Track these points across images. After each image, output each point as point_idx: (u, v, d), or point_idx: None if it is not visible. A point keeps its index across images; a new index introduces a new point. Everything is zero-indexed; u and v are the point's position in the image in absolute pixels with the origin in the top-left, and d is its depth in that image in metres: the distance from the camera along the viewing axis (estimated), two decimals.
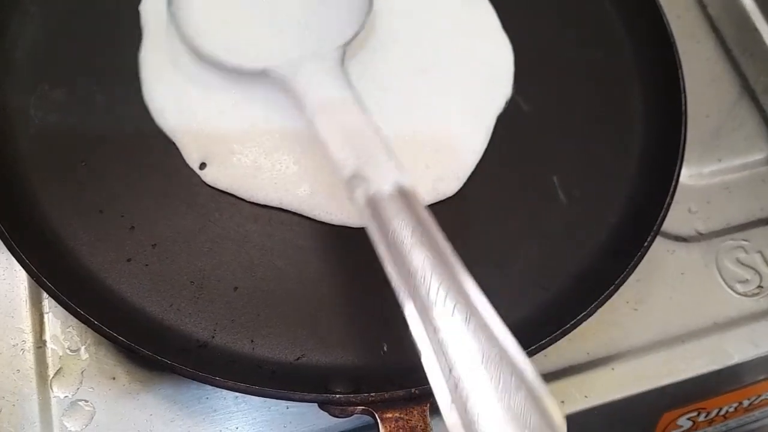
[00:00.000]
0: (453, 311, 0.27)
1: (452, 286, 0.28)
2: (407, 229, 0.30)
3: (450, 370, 0.26)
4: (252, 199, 0.40)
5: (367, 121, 0.35)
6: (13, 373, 0.39)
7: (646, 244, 0.39)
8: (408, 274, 0.28)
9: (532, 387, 0.25)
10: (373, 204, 0.31)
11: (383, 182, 0.32)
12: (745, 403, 0.49)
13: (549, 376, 0.43)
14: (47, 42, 0.43)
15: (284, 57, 0.40)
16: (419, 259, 0.28)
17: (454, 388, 0.25)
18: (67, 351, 0.40)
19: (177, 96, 0.41)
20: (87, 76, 0.42)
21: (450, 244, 0.30)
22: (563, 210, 0.42)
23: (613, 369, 0.44)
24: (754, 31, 0.58)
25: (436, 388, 0.26)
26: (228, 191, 0.40)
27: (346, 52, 0.40)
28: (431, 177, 0.41)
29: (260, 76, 0.40)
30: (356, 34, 0.41)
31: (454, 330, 0.26)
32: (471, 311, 0.27)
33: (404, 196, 0.31)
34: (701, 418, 0.48)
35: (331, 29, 0.42)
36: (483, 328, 0.26)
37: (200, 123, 0.41)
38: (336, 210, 0.40)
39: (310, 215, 0.40)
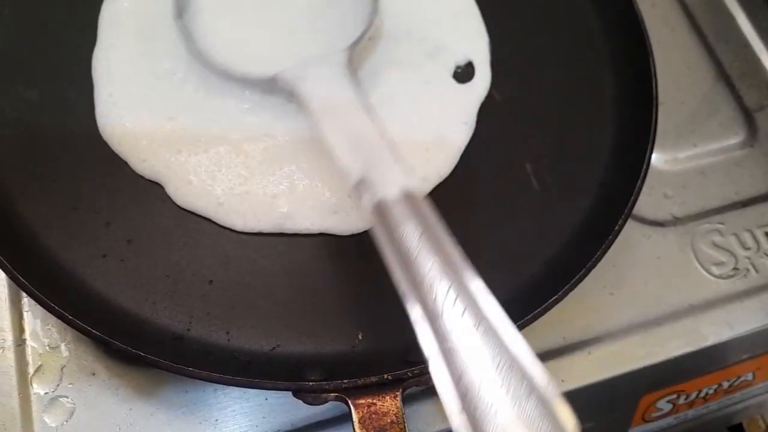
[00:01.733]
0: (462, 317, 0.26)
1: (461, 291, 0.27)
2: (414, 234, 0.29)
3: (460, 377, 0.25)
4: (222, 224, 0.39)
5: (373, 124, 0.35)
6: None
7: (617, 228, 0.39)
8: (415, 280, 0.28)
9: (543, 393, 0.24)
10: (380, 210, 0.31)
11: (390, 187, 0.31)
12: (725, 384, 0.49)
13: None
14: (21, 43, 0.43)
15: (289, 63, 0.39)
16: (427, 264, 0.28)
17: (464, 395, 0.25)
18: (47, 348, 0.40)
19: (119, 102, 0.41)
20: (61, 75, 0.43)
21: (459, 247, 0.29)
22: (536, 196, 0.43)
23: (589, 353, 0.44)
24: (729, 17, 0.59)
25: (444, 396, 0.25)
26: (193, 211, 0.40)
27: (353, 54, 0.39)
28: (417, 177, 0.41)
29: (268, 84, 0.40)
30: (362, 36, 0.41)
31: (464, 336, 0.26)
32: (481, 317, 0.27)
33: (411, 200, 0.31)
34: (681, 400, 0.48)
35: (336, 32, 0.41)
36: (493, 333, 0.26)
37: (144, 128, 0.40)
38: (313, 222, 0.40)
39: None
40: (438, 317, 0.27)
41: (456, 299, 0.27)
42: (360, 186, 0.32)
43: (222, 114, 0.41)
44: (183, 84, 0.41)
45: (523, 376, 0.25)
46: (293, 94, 0.38)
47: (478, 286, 0.28)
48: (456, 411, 0.25)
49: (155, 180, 0.40)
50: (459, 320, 0.26)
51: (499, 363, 0.25)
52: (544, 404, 0.24)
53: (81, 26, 0.44)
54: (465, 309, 0.27)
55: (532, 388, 0.25)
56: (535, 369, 0.25)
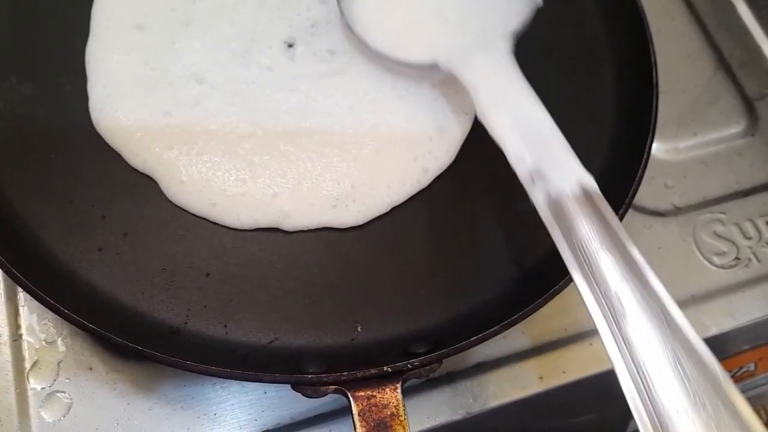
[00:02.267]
0: (646, 319, 0.27)
1: (644, 293, 0.27)
2: (594, 233, 0.29)
3: (642, 381, 0.26)
4: (221, 222, 0.39)
5: (544, 115, 0.34)
6: None
7: (618, 217, 0.39)
8: (597, 281, 0.28)
9: (729, 399, 0.25)
10: (557, 205, 0.31)
11: (566, 181, 0.31)
12: None
13: (527, 353, 0.43)
14: (14, 35, 0.43)
15: (452, 48, 0.38)
16: (608, 264, 0.28)
17: (648, 401, 0.26)
18: (44, 343, 0.40)
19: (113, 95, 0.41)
20: (55, 68, 0.42)
21: (637, 248, 0.29)
22: None
23: (591, 344, 0.44)
24: (729, 5, 0.58)
25: (631, 399, 0.26)
26: (186, 208, 0.39)
27: (514, 41, 0.39)
28: (418, 168, 0.41)
29: (428, 69, 0.39)
30: (525, 22, 0.40)
31: (647, 339, 0.26)
32: (665, 317, 0.27)
33: (589, 197, 0.31)
34: None
35: (498, 17, 0.40)
36: (676, 334, 0.26)
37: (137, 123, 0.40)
38: (312, 219, 0.39)
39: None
40: (621, 320, 0.27)
41: (639, 302, 0.27)
42: (533, 178, 0.32)
43: (219, 110, 0.40)
44: (180, 78, 0.41)
45: (708, 380, 0.25)
46: (457, 80, 0.37)
47: (660, 287, 0.28)
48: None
49: (149, 174, 0.39)
50: (643, 323, 0.27)
51: (682, 367, 0.26)
52: (717, 389, 0.25)
53: (75, 18, 0.43)
54: (648, 311, 0.27)
55: (716, 391, 0.25)
56: (720, 374, 0.25)
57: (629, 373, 0.26)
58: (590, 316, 0.28)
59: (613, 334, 0.27)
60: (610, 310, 0.27)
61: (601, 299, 0.28)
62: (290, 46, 0.43)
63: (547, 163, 0.32)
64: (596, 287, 0.28)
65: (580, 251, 0.29)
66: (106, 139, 0.40)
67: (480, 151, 0.42)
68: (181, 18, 0.42)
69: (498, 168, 0.42)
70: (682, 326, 0.27)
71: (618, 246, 0.29)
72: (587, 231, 0.29)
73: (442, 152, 0.41)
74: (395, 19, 0.41)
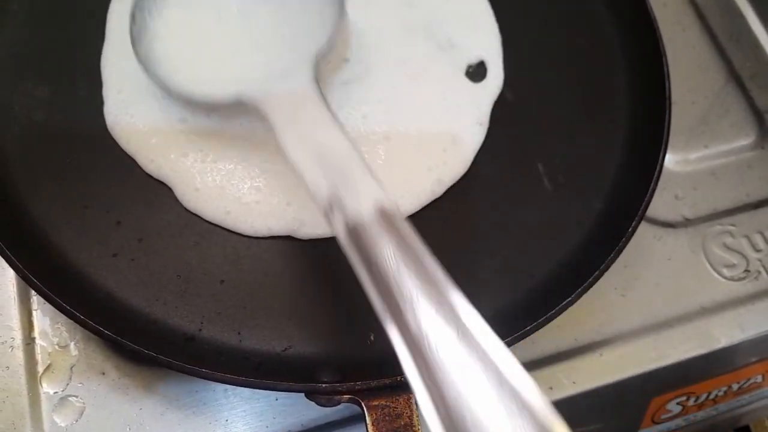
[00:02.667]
0: (446, 336, 0.25)
1: (445, 311, 0.25)
2: (391, 255, 0.27)
3: (442, 400, 0.23)
4: (236, 230, 0.39)
5: (340, 136, 0.32)
6: (2, 371, 0.39)
7: (630, 230, 0.39)
8: (395, 302, 0.26)
9: (535, 409, 0.23)
10: (353, 231, 0.28)
11: (363, 204, 0.29)
12: (735, 387, 0.49)
13: (537, 363, 0.43)
14: (31, 39, 0.43)
15: (253, 81, 0.36)
16: (407, 284, 0.26)
17: (451, 417, 0.23)
18: (56, 347, 0.40)
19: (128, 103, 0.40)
20: (71, 73, 0.42)
21: (439, 265, 0.27)
22: (548, 197, 0.42)
23: (601, 355, 0.44)
24: (740, 17, 0.59)
25: (431, 420, 0.23)
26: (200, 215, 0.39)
27: (319, 64, 0.37)
28: (432, 179, 0.40)
29: (234, 107, 0.37)
30: (328, 43, 0.38)
31: (450, 361, 0.24)
32: (465, 333, 0.25)
33: (385, 216, 0.28)
34: (691, 402, 0.48)
35: (300, 40, 0.38)
36: (479, 350, 0.24)
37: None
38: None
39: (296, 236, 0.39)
40: (421, 342, 0.25)
41: (440, 319, 0.25)
42: (330, 204, 0.30)
43: (236, 118, 0.40)
44: None
45: (514, 395, 0.23)
46: (261, 114, 0.35)
47: (462, 303, 0.26)
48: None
49: (163, 181, 0.39)
50: (443, 344, 0.25)
51: (487, 384, 0.24)
52: (536, 420, 0.23)
53: (92, 22, 0.43)
54: (449, 328, 0.25)
55: (523, 404, 0.23)
56: (528, 387, 0.23)
57: (427, 389, 0.24)
58: (391, 340, 0.26)
59: (414, 353, 0.25)
60: (409, 330, 0.25)
61: (400, 318, 0.26)
62: None
63: (343, 188, 0.30)
64: (396, 307, 0.26)
65: (379, 273, 0.27)
66: (121, 145, 0.40)
67: (493, 159, 0.42)
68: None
69: (512, 176, 0.43)
70: (484, 343, 0.25)
71: (417, 264, 0.27)
72: (385, 253, 0.27)
73: (457, 162, 0.41)
74: (201, 56, 0.39)
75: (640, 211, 0.40)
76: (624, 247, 0.39)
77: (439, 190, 0.40)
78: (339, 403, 0.34)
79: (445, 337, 0.25)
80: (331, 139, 0.32)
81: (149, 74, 0.38)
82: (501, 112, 0.44)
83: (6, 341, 0.40)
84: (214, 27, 0.40)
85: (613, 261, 0.38)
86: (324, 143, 0.32)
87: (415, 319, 0.25)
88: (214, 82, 0.38)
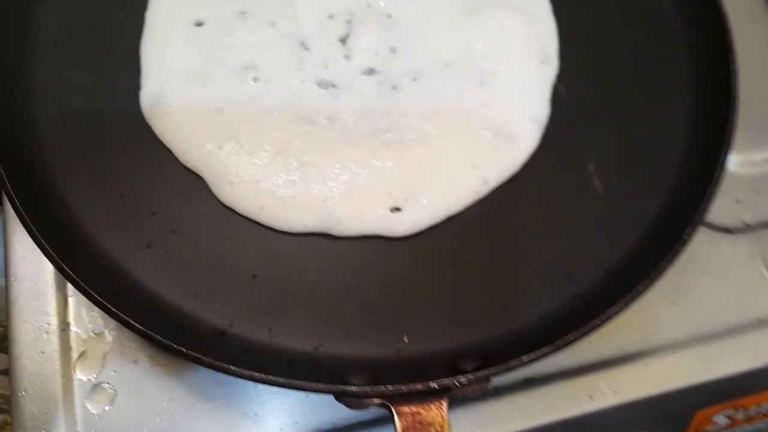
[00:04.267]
0: None
1: None
2: None
3: None
4: (270, 225, 0.38)
5: None
6: (38, 355, 0.40)
7: (685, 237, 0.37)
8: None
9: None
10: None
11: None
12: None
13: (576, 370, 0.42)
14: (72, 26, 0.43)
15: None
16: None
17: None
18: (91, 334, 0.40)
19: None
20: (111, 59, 0.42)
21: None
22: (599, 199, 0.40)
23: (646, 364, 0.42)
24: None
25: None
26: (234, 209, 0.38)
27: None
28: (478, 178, 0.39)
29: None
30: None
31: None
32: None
33: None
34: (739, 415, 0.46)
35: None
36: None
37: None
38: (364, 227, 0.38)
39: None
40: None
41: None
42: None
43: (272, 108, 0.39)
44: (234, 73, 0.40)
45: None
46: None
47: None
48: None
49: (197, 173, 0.39)
50: None
51: None
52: None
53: (131, 9, 0.43)
54: None
55: None
56: None
57: None
58: None
59: None
60: None
61: None
62: (343, 42, 0.41)
63: None
64: None
65: None
66: (156, 134, 0.39)
67: (542, 161, 0.40)
68: (238, 10, 0.41)
69: (560, 176, 0.41)
70: None
71: None
72: None
73: (506, 163, 0.39)
74: None
75: (697, 217, 0.37)
76: (678, 254, 0.36)
77: (484, 191, 0.39)
78: (368, 407, 0.33)
79: None
80: None
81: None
82: (553, 107, 0.42)
83: (42, 326, 0.40)
84: None
85: (665, 269, 0.36)
86: None
87: None
88: None
